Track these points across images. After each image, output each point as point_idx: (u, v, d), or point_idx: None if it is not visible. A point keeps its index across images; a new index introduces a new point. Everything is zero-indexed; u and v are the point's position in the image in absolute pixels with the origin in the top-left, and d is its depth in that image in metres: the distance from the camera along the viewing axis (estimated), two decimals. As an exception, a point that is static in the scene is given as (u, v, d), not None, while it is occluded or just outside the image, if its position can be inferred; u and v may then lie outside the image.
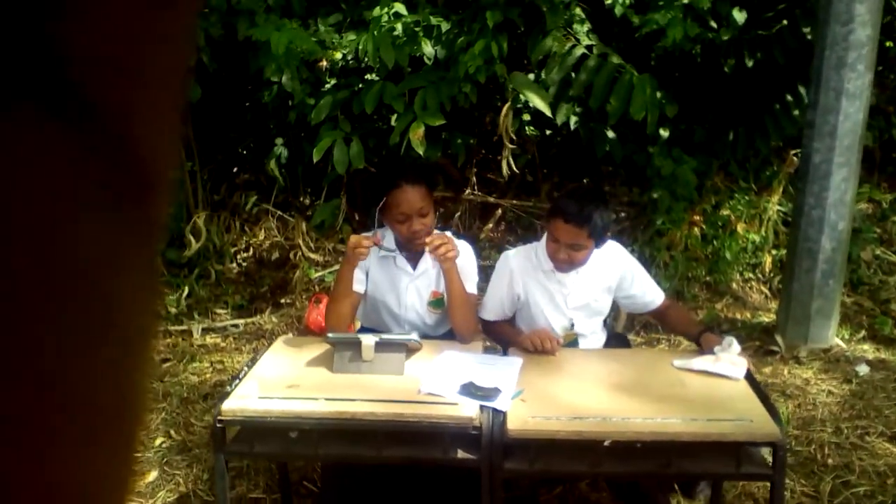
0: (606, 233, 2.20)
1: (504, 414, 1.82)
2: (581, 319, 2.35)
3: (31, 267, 0.18)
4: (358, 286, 2.29)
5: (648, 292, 2.39)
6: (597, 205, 2.15)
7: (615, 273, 2.34)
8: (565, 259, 2.17)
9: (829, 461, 2.69)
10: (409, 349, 2.10)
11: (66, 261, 0.19)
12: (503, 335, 2.37)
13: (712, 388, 1.94)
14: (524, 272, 2.32)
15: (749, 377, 2.01)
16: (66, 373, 0.19)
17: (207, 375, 3.45)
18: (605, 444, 1.73)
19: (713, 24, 4.10)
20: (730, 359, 2.01)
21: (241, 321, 4.07)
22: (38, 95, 0.18)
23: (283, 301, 4.27)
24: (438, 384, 1.93)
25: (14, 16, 0.17)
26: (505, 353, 2.28)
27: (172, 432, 2.92)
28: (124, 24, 0.19)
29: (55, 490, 0.19)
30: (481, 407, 1.83)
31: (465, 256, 2.32)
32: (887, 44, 5.12)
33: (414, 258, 2.33)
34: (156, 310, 0.23)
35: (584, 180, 4.77)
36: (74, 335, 0.19)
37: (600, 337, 2.47)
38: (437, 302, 2.32)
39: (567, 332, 2.33)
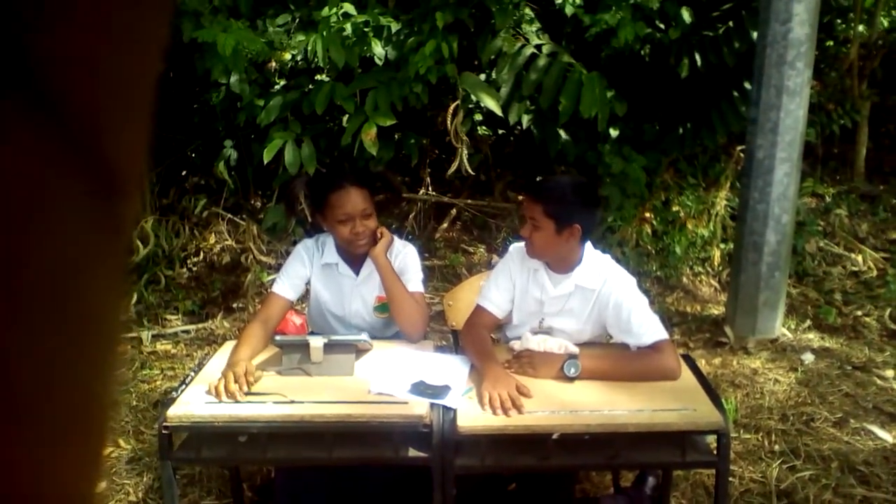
0: (572, 221, 2.02)
1: (454, 411, 1.82)
2: (553, 321, 2.20)
3: (1, 264, 0.18)
4: (291, 293, 2.27)
5: (627, 336, 2.11)
6: (569, 190, 2.05)
7: (601, 305, 2.16)
8: (526, 236, 2.08)
9: (776, 447, 2.76)
10: (359, 350, 2.09)
11: (35, 259, 0.19)
12: (476, 349, 2.09)
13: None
14: (518, 263, 2.21)
15: (693, 367, 2.05)
16: (34, 373, 0.19)
17: (158, 382, 3.38)
18: (554, 437, 1.75)
19: (661, 25, 4.18)
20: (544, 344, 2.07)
21: (192, 327, 4.00)
22: (9, 96, 0.18)
23: (235, 305, 4.21)
24: (388, 384, 1.92)
25: None
26: (456, 351, 2.28)
27: (122, 441, 2.85)
28: (95, 27, 0.19)
29: (22, 491, 0.19)
30: (431, 405, 1.83)
31: (407, 256, 2.32)
32: (828, 43, 5.29)
33: (356, 264, 2.30)
34: (123, 312, 0.23)
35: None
36: (43, 335, 0.19)
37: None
38: (382, 307, 2.30)
39: (535, 329, 2.20)
